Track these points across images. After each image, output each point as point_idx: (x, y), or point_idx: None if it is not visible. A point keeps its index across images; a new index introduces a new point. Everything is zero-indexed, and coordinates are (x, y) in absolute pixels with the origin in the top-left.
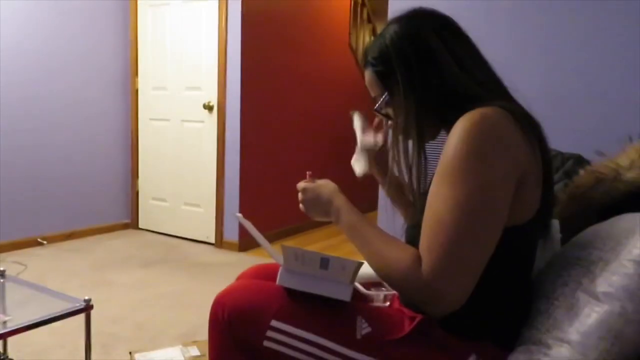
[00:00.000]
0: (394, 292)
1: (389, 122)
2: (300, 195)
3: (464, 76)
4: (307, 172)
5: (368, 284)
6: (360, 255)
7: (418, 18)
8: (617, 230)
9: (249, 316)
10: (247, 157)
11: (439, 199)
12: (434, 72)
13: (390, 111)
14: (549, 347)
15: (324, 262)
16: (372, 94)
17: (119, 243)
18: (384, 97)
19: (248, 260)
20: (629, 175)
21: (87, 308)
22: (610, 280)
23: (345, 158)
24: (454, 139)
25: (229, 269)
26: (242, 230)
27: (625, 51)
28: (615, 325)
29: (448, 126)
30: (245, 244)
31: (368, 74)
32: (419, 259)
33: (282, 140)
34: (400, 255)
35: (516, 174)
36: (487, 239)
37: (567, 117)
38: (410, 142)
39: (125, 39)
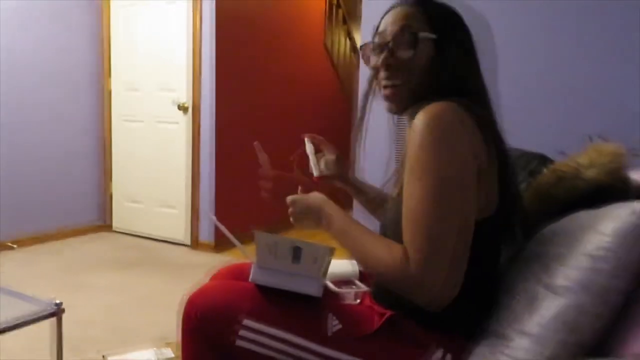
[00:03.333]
0: (365, 289)
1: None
2: (290, 208)
3: (470, 75)
4: (255, 143)
5: (339, 282)
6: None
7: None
8: (573, 226)
9: (221, 315)
10: (222, 157)
11: (411, 194)
12: (459, 55)
13: (389, 57)
14: (510, 339)
15: (297, 251)
16: (390, 28)
17: (93, 245)
18: (414, 35)
19: (223, 261)
20: (589, 173)
21: (58, 312)
22: (566, 274)
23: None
24: (416, 134)
25: (204, 270)
26: (218, 232)
27: (588, 50)
28: (572, 317)
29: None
30: (221, 245)
31: (412, 9)
32: (405, 255)
33: (257, 140)
34: (388, 254)
35: (475, 165)
36: (462, 225)
37: (532, 116)
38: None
39: (97, 38)
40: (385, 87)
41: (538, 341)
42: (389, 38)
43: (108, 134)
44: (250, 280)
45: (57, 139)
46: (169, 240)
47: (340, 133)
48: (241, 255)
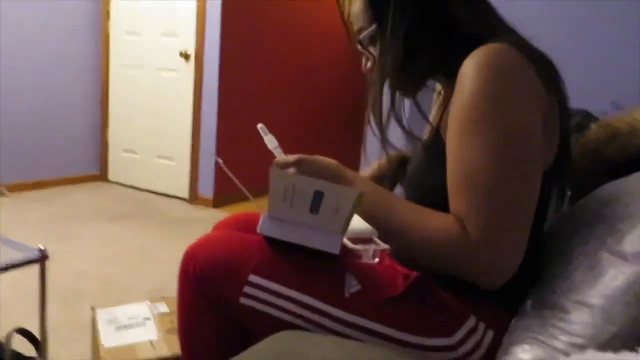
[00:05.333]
0: (384, 247)
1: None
2: (292, 169)
3: (469, 12)
4: (259, 125)
5: (355, 240)
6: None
7: None
8: None
9: (223, 270)
10: (225, 110)
11: (466, 152)
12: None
13: (373, 48)
14: (566, 311)
15: (317, 198)
16: (356, 26)
17: (87, 195)
18: (371, 28)
19: (222, 217)
20: None
21: (41, 259)
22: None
23: (330, 115)
24: (468, 80)
25: (202, 225)
26: (218, 186)
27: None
28: None
29: (439, 73)
30: (220, 200)
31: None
32: (461, 225)
33: (263, 94)
34: (440, 224)
35: (541, 111)
36: (531, 185)
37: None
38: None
39: None
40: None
41: (603, 315)
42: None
43: (105, 80)
44: (258, 231)
45: (52, 84)
46: (166, 193)
47: (354, 94)
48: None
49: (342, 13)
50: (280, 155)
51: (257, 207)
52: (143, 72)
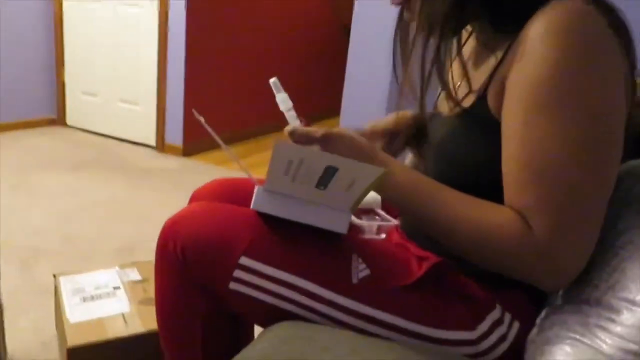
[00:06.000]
0: (392, 222)
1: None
2: (316, 147)
3: None
4: (271, 80)
5: (358, 212)
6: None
7: None
8: None
9: (210, 251)
10: (193, 51)
11: (537, 136)
12: None
13: None
14: (614, 310)
15: (328, 173)
16: None
17: (44, 141)
18: None
19: (193, 167)
20: None
21: None
22: None
23: (302, 59)
24: (542, 47)
25: (171, 176)
26: (187, 133)
27: None
28: None
29: (488, 16)
30: (190, 148)
31: None
32: (524, 220)
33: (234, 34)
34: (500, 220)
35: (622, 86)
36: (610, 176)
37: None
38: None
39: None
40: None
41: None
42: None
43: (59, 13)
44: (252, 207)
45: (1, 18)
46: (131, 140)
47: (331, 46)
48: (216, 160)
49: None
50: (293, 121)
51: (246, 172)
52: (100, 5)
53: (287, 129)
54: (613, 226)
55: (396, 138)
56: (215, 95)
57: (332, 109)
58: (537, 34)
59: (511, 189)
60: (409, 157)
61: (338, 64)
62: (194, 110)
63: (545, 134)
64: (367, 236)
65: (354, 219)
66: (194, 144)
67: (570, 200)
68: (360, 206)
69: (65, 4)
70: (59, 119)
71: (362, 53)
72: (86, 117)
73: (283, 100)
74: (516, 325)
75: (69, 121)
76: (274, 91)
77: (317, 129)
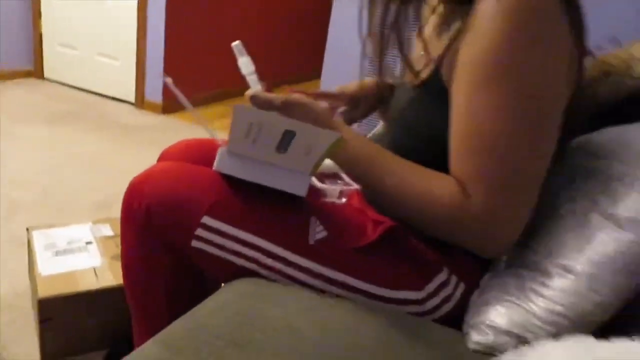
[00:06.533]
0: (353, 187)
1: None
2: (275, 113)
3: None
4: (234, 44)
5: (321, 176)
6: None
7: None
8: None
9: (173, 210)
10: (173, 7)
11: (479, 109)
12: None
13: None
14: (548, 275)
15: (287, 137)
16: None
17: (20, 93)
18: None
19: (172, 124)
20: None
21: None
22: (639, 203)
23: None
24: (491, 22)
25: (150, 133)
26: (167, 91)
27: None
28: (636, 258)
29: None
30: (170, 106)
31: None
32: (464, 188)
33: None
34: (441, 187)
35: (565, 67)
36: (545, 151)
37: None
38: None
39: None
40: None
41: (588, 283)
42: None
43: None
44: (214, 168)
45: None
46: (110, 95)
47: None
48: (195, 120)
49: None
50: (255, 85)
51: (210, 134)
52: None
53: (248, 93)
54: (557, 196)
55: (359, 104)
56: (194, 54)
57: (314, 71)
58: (488, 9)
59: (453, 158)
60: (378, 127)
61: (320, 26)
62: (162, 73)
63: (486, 110)
64: (329, 199)
65: (316, 182)
66: (174, 101)
67: (506, 170)
68: (324, 170)
69: None
70: (35, 71)
71: (344, 17)
72: (64, 70)
73: (245, 64)
74: (462, 287)
75: (46, 73)
76: (237, 54)
77: (277, 96)
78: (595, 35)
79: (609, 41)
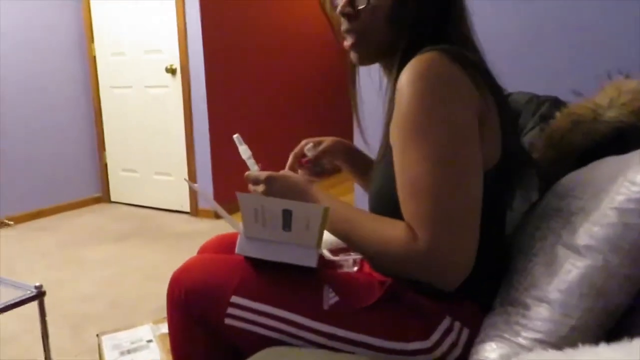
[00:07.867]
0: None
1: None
2: (262, 186)
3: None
4: (235, 136)
5: (335, 251)
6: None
7: None
8: (598, 175)
9: (207, 294)
10: (215, 119)
11: (409, 163)
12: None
13: (346, 5)
14: (526, 307)
15: (287, 215)
16: None
17: (90, 218)
18: None
19: (224, 228)
20: (609, 114)
21: (38, 295)
22: (591, 231)
23: (320, 119)
24: (405, 95)
25: (205, 238)
26: (217, 197)
27: None
28: (598, 280)
29: (391, 56)
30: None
31: None
32: (410, 231)
33: (251, 100)
34: (392, 232)
35: (476, 113)
36: (473, 188)
37: (540, 55)
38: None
39: (77, 3)
40: (346, 35)
41: (560, 309)
42: None
43: (97, 102)
44: (236, 252)
45: (46, 112)
46: (168, 208)
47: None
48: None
49: (322, 5)
50: (252, 167)
51: (235, 227)
52: (132, 91)
53: (245, 174)
54: (532, 237)
55: (325, 159)
56: (238, 158)
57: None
58: (403, 79)
59: (402, 206)
60: None
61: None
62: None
63: (415, 160)
64: (344, 270)
65: (330, 255)
66: (224, 206)
67: (441, 209)
68: (337, 245)
69: (102, 94)
70: (103, 197)
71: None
72: (127, 192)
73: (244, 151)
74: (466, 332)
75: (113, 197)
76: (237, 144)
77: (263, 172)
78: (557, 89)
79: (572, 93)
